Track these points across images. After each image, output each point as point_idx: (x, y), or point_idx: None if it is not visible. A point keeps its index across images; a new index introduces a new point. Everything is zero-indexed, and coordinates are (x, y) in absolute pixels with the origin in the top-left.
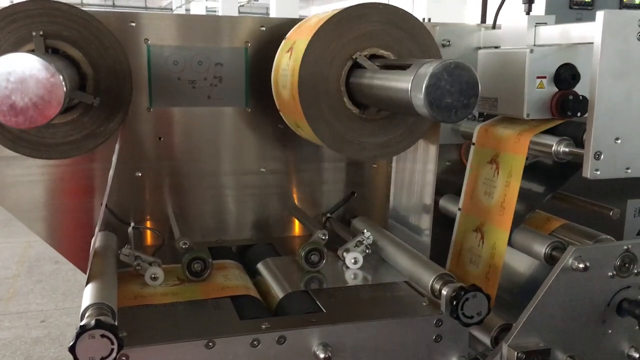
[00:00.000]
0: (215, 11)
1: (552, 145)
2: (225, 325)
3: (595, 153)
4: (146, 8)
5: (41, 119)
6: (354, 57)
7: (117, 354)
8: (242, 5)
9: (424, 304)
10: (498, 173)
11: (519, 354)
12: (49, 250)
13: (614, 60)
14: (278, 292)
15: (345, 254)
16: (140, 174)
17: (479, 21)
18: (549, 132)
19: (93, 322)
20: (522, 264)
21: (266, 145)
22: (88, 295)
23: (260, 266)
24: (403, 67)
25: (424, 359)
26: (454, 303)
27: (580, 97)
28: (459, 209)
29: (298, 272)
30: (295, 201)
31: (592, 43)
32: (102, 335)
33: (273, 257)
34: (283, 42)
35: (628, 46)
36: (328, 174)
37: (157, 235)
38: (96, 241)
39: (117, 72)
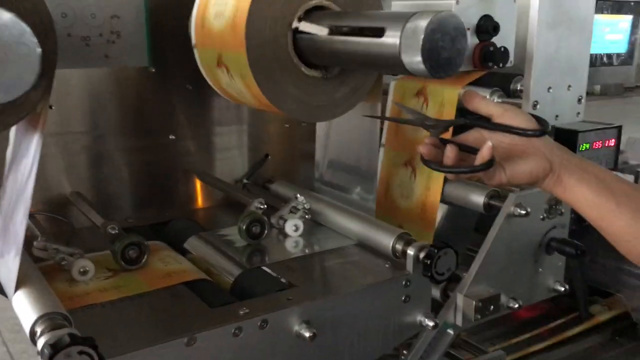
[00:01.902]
0: None
1: (485, 96)
2: (198, 317)
3: (533, 102)
4: None
5: (15, 91)
6: (293, 26)
7: None
8: None
9: (387, 265)
10: (427, 106)
11: (477, 302)
12: None
13: (549, 12)
14: (227, 271)
15: (280, 221)
16: None
17: None
18: (473, 84)
19: (66, 338)
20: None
21: (174, 109)
22: (26, 303)
23: (188, 244)
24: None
25: (395, 321)
26: (428, 262)
27: (502, 48)
28: (382, 145)
29: (235, 247)
30: (210, 169)
31: None
32: (80, 352)
33: (198, 232)
34: None
35: None
36: (239, 137)
37: (63, 221)
38: None
39: (37, 26)
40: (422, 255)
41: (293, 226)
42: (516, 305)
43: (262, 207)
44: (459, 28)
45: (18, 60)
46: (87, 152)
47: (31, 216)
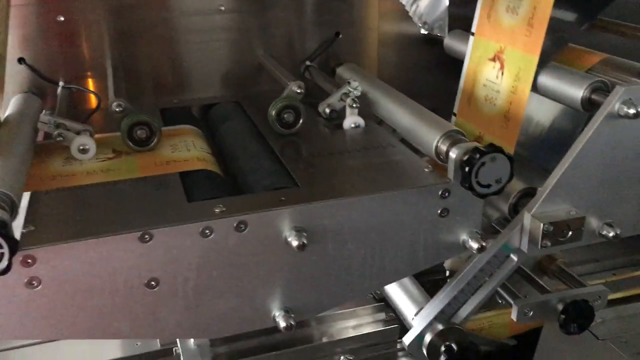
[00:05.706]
0: None
1: None
2: (167, 211)
3: None
4: None
5: None
6: None
7: (10, 260)
8: None
9: (426, 170)
10: (502, 74)
11: (546, 226)
12: None
13: None
14: (238, 163)
15: (326, 109)
16: (62, 18)
17: None
18: None
19: None
20: (546, 112)
21: None
22: None
23: (221, 131)
24: None
25: (426, 238)
26: (466, 169)
27: None
28: (472, 33)
29: (270, 136)
30: (266, 47)
31: None
32: None
33: (239, 118)
34: None
35: None
36: (306, 11)
37: (95, 96)
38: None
39: None
40: (464, 159)
41: (352, 123)
42: (612, 234)
43: (299, 91)
44: None
45: None
46: (131, 21)
47: (66, 89)
